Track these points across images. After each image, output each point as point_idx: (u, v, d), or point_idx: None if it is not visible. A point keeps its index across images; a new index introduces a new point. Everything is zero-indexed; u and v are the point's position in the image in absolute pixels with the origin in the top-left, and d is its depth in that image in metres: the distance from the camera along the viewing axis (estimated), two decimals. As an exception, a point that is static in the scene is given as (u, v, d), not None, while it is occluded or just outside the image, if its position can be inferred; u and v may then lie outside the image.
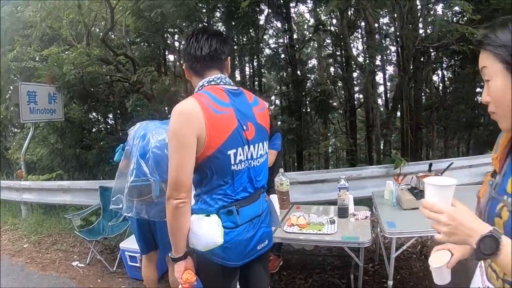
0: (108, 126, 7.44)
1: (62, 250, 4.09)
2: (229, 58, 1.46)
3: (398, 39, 5.31)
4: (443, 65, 10.35)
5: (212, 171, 1.31)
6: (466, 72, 9.42)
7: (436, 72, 10.85)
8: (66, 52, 6.37)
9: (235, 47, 7.09)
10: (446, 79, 11.34)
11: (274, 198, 2.36)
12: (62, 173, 6.41)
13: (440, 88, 11.30)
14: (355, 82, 10.97)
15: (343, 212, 2.40)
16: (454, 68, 10.57)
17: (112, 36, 9.23)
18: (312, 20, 9.70)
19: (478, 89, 9.35)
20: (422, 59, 7.97)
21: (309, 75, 9.86)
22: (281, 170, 2.63)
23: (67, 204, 4.90)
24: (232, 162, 1.32)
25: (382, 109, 10.77)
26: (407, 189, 2.63)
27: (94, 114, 7.12)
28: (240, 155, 1.34)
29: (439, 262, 0.95)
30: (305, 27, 10.34)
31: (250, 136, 1.38)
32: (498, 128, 0.84)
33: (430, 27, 6.62)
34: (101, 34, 7.12)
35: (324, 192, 3.90)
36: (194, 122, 1.23)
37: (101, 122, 7.09)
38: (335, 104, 9.83)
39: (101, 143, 6.32)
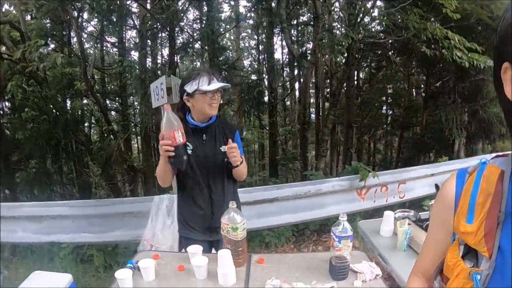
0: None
1: None
2: None
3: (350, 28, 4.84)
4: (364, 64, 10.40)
5: None
6: (388, 73, 9.68)
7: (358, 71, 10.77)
8: None
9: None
10: (366, 78, 11.45)
11: (223, 254, 1.42)
12: None
13: (362, 86, 11.30)
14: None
15: (342, 273, 1.43)
16: (370, 69, 10.76)
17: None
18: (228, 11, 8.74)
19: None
20: (357, 56, 7.81)
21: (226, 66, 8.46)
22: (232, 204, 1.50)
23: None
24: None
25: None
26: (414, 224, 1.98)
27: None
28: None
29: None
30: (222, 17, 8.98)
31: None
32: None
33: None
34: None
35: (275, 215, 3.24)
36: None
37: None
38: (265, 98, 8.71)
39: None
